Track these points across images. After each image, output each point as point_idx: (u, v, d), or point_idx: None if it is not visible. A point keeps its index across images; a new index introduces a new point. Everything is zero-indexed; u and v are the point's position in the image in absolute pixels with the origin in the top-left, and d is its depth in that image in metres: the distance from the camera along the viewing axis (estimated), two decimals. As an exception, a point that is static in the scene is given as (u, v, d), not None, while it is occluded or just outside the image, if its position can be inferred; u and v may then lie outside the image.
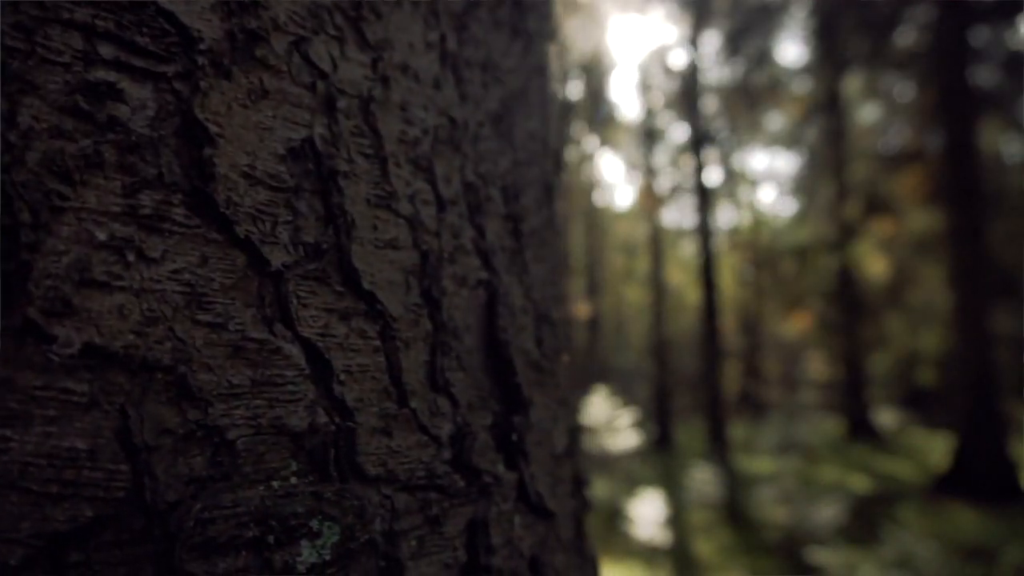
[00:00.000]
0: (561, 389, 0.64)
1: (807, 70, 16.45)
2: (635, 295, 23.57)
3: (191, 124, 0.31)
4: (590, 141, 23.75)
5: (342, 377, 0.35)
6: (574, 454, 0.72)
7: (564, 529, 0.54)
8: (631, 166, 25.59)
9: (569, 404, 0.68)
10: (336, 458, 0.33)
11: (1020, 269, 13.80)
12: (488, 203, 0.51)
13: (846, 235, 14.70)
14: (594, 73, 19.15)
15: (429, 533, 0.37)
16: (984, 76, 12.58)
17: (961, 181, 10.26)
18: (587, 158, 25.02)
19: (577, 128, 21.07)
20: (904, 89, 14.70)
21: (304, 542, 0.31)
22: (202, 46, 0.31)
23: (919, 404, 17.99)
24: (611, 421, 10.02)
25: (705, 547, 8.19)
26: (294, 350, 0.33)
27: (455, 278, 0.43)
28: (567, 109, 18.91)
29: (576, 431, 0.76)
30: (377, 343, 0.37)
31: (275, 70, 0.34)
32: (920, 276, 15.29)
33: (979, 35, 11.91)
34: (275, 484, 0.31)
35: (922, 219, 14.54)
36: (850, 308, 15.83)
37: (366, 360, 0.36)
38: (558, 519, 0.52)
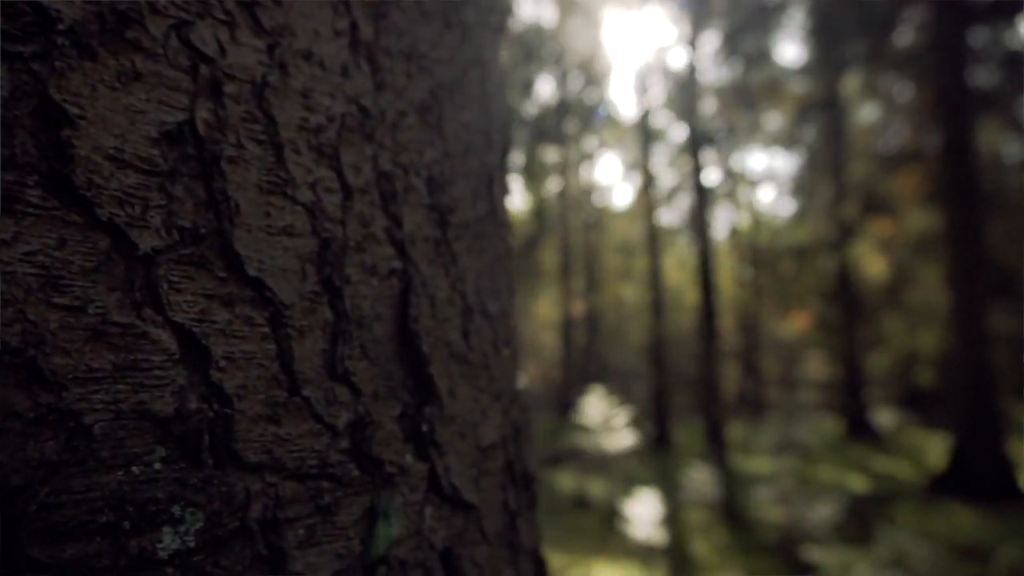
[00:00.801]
0: (497, 382, 0.64)
1: (805, 70, 16.42)
2: (634, 295, 23.57)
3: (48, 105, 0.31)
4: (589, 141, 23.74)
5: (222, 363, 0.34)
6: (516, 447, 0.71)
7: (490, 522, 0.53)
8: (630, 166, 25.59)
9: (509, 397, 0.68)
10: (211, 445, 0.33)
11: (1019, 268, 13.79)
12: (408, 193, 0.50)
13: (845, 235, 14.69)
14: (593, 73, 19.14)
15: (320, 522, 0.36)
16: (982, 76, 12.58)
17: (959, 181, 10.25)
18: (586, 158, 25.01)
19: (576, 128, 21.06)
20: (903, 89, 14.69)
21: (166, 528, 0.30)
22: (61, 26, 0.31)
23: (918, 404, 17.97)
24: (608, 421, 10.01)
25: (701, 546, 8.18)
26: (163, 335, 0.33)
27: (363, 267, 0.43)
28: (565, 109, 18.92)
29: (522, 425, 0.76)
30: (266, 330, 0.36)
31: (149, 53, 0.34)
32: (919, 276, 15.27)
33: (977, 35, 11.91)
34: (135, 470, 0.31)
35: (921, 219, 14.53)
36: (849, 308, 15.82)
37: (252, 347, 0.36)
38: (481, 512, 0.52)
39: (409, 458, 0.43)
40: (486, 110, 0.70)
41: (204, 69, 0.35)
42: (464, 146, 0.63)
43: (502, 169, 0.80)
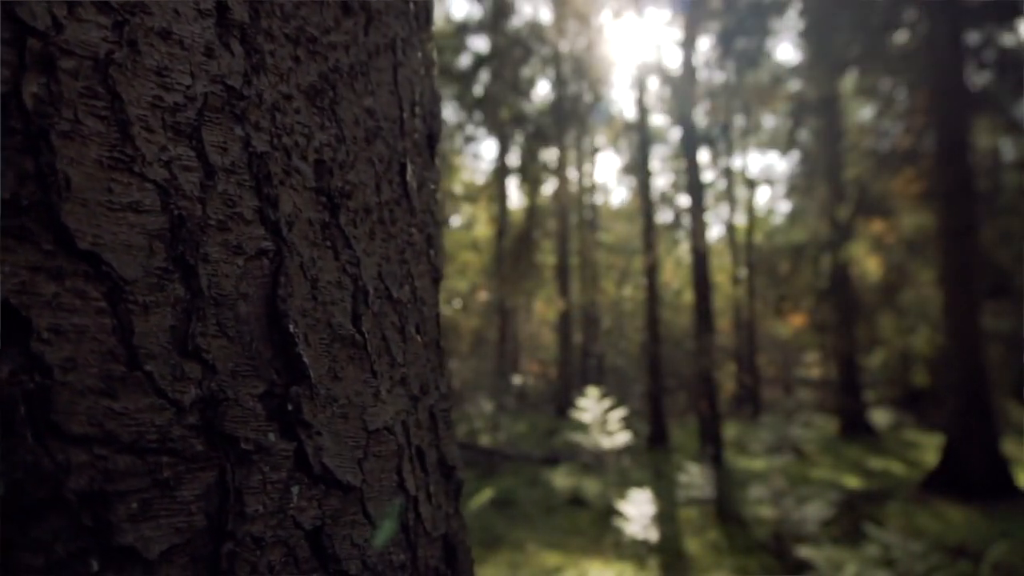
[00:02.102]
0: (403, 368, 0.64)
1: (800, 71, 16.43)
2: (632, 294, 23.59)
3: None
4: (586, 141, 23.76)
5: (45, 335, 0.34)
6: (430, 434, 0.71)
7: (378, 504, 0.54)
8: (627, 165, 25.61)
9: (422, 384, 0.68)
10: (29, 416, 0.33)
11: (1015, 268, 13.80)
12: (290, 175, 0.51)
13: (841, 235, 14.70)
14: (590, 73, 19.15)
15: (158, 496, 0.37)
16: (978, 76, 12.58)
17: (953, 180, 10.27)
18: (584, 157, 25.03)
19: (574, 127, 21.08)
20: (899, 89, 14.68)
21: (-40, 499, 0.31)
22: None
23: (915, 404, 17.98)
24: (604, 420, 10.03)
25: (695, 545, 8.19)
26: (-25, 305, 0.33)
27: (226, 245, 0.43)
28: (562, 108, 18.93)
29: (441, 414, 0.76)
30: (103, 304, 0.36)
31: (-32, 26, 0.34)
32: (916, 276, 15.28)
33: (973, 35, 11.92)
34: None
35: (917, 219, 14.53)
36: (845, 308, 15.82)
37: (85, 321, 0.36)
38: (365, 493, 0.52)
39: (272, 436, 0.43)
40: (398, 96, 0.70)
41: (34, 43, 0.35)
42: (368, 132, 0.63)
43: (424, 156, 0.80)
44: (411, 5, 0.76)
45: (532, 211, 22.05)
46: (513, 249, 16.31)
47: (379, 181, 0.64)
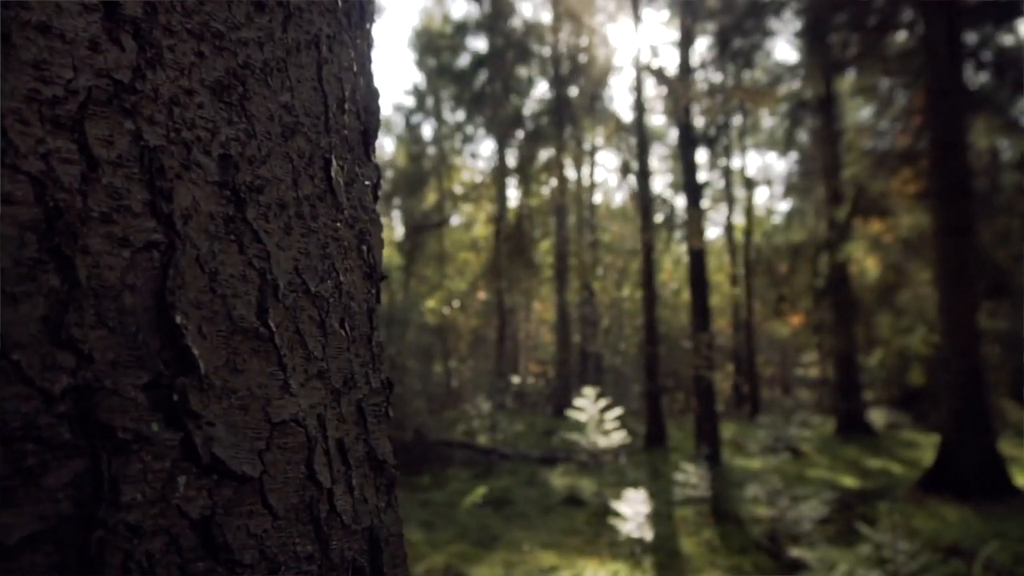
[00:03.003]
0: (321, 362, 0.64)
1: (797, 70, 16.42)
2: (630, 294, 23.59)
3: None
4: (585, 141, 23.76)
5: None
6: (356, 429, 0.72)
7: (281, 495, 0.54)
8: (625, 165, 25.59)
9: (347, 378, 0.68)
10: None
11: (1014, 267, 13.79)
12: (189, 169, 0.51)
13: (838, 235, 14.71)
14: (589, 73, 19.15)
15: (22, 484, 0.37)
16: (975, 75, 12.57)
17: (950, 179, 10.27)
18: (583, 157, 25.04)
19: (572, 127, 21.08)
20: (897, 89, 14.68)
21: None
22: None
23: (913, 403, 17.98)
24: (600, 420, 10.04)
25: (690, 544, 8.20)
26: None
27: (110, 238, 0.44)
28: (561, 108, 18.93)
29: (372, 408, 0.76)
30: (-35, 294, 0.37)
31: None
32: (914, 275, 15.27)
33: (971, 35, 11.91)
34: None
35: (915, 218, 14.53)
36: (843, 308, 15.82)
37: (-57, 311, 0.36)
38: (265, 484, 0.52)
39: (155, 426, 0.44)
40: (323, 93, 0.70)
41: None
42: (285, 127, 0.64)
43: (357, 152, 0.81)
44: (339, 2, 0.77)
45: (530, 211, 22.07)
46: (511, 249, 16.33)
47: (298, 176, 0.65)
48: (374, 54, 0.89)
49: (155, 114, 0.49)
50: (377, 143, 0.87)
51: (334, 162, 0.71)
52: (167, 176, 0.49)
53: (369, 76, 0.85)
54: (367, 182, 0.83)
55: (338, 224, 0.72)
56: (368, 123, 0.83)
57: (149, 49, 0.49)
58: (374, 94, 0.86)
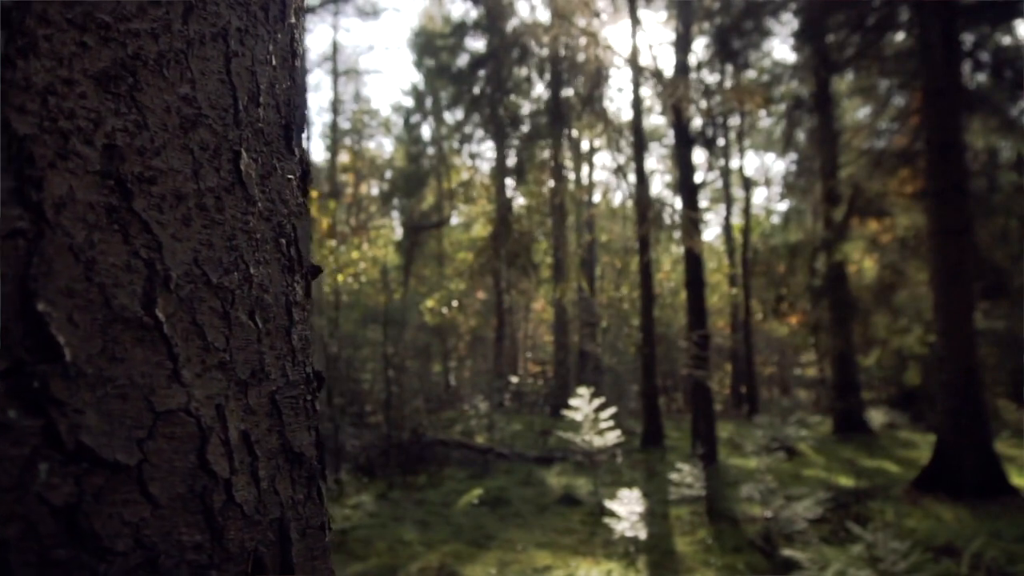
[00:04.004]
0: (221, 353, 0.64)
1: (794, 70, 16.42)
2: (628, 294, 23.59)
3: None
4: (583, 141, 23.77)
5: None
6: (269, 421, 0.72)
7: (164, 485, 0.55)
8: (624, 165, 25.58)
9: (254, 370, 0.68)
10: None
11: (1012, 268, 13.76)
12: (65, 159, 0.51)
13: (835, 235, 14.69)
14: (586, 74, 19.14)
15: None
16: (975, 76, 12.56)
17: (947, 179, 10.26)
18: (581, 157, 25.04)
19: (571, 127, 21.07)
20: (894, 89, 14.66)
21: None
22: None
23: (910, 403, 17.96)
24: (596, 420, 10.04)
25: (684, 543, 8.20)
26: None
27: (-28, 226, 0.44)
28: (560, 108, 18.93)
29: (284, 399, 0.77)
30: None
31: None
32: (911, 275, 15.25)
33: (968, 35, 11.90)
34: None
35: (912, 218, 14.51)
36: (840, 307, 15.80)
37: None
38: (145, 473, 0.53)
39: (13, 413, 0.44)
40: (232, 86, 0.70)
41: None
42: (184, 119, 0.64)
43: (277, 146, 0.81)
44: None
45: (528, 211, 22.07)
46: (503, 248, 16.34)
47: (199, 168, 0.65)
48: (300, 48, 0.89)
49: (27, 103, 0.49)
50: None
51: (244, 155, 0.72)
52: (38, 165, 0.49)
53: (293, 71, 0.85)
54: (289, 176, 0.83)
55: (249, 217, 0.72)
56: (290, 117, 0.84)
57: (20, 38, 0.49)
58: (298, 89, 0.86)
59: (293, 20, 0.86)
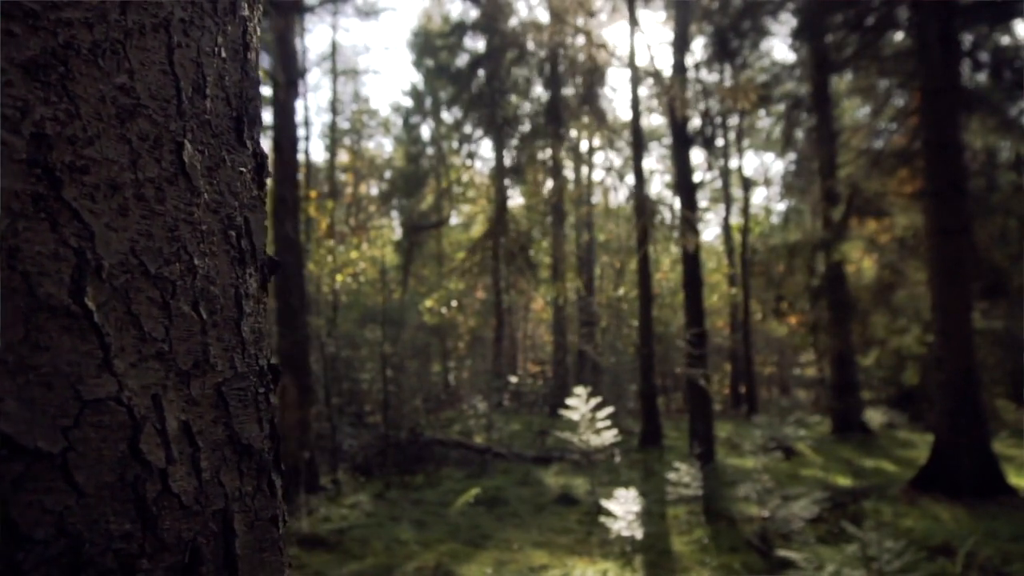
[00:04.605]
0: (157, 343, 0.64)
1: (792, 70, 16.42)
2: (626, 293, 23.59)
3: None
4: (583, 141, 23.77)
5: None
6: (218, 411, 0.72)
7: (90, 473, 0.55)
8: (623, 165, 25.59)
9: (189, 359, 0.68)
10: None
11: (1012, 267, 13.75)
12: None
13: (834, 235, 14.69)
14: (585, 73, 19.14)
15: None
16: (974, 76, 12.56)
17: (945, 179, 10.25)
18: (580, 157, 25.04)
19: (570, 127, 21.08)
20: (894, 88, 14.65)
21: None
22: None
23: (909, 403, 17.95)
24: (591, 419, 10.03)
25: (680, 543, 8.20)
26: None
27: None
28: (559, 108, 18.93)
29: (231, 391, 0.77)
30: None
31: None
32: (910, 275, 15.24)
33: (968, 34, 11.89)
34: None
35: (911, 218, 14.50)
36: (839, 307, 15.80)
37: None
38: (70, 461, 0.53)
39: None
40: (175, 77, 0.70)
41: None
42: (121, 109, 0.64)
43: (227, 138, 0.81)
44: None
45: (528, 210, 22.07)
46: (507, 248, 16.35)
47: (137, 158, 0.65)
48: (255, 41, 0.89)
49: None
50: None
51: (188, 146, 0.71)
52: None
53: (245, 64, 0.85)
54: (241, 169, 0.83)
55: (193, 208, 0.72)
56: (242, 109, 0.83)
57: None
58: (251, 82, 0.86)
59: (246, 13, 0.86)
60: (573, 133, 21.18)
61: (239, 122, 0.82)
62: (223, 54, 0.79)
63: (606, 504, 8.09)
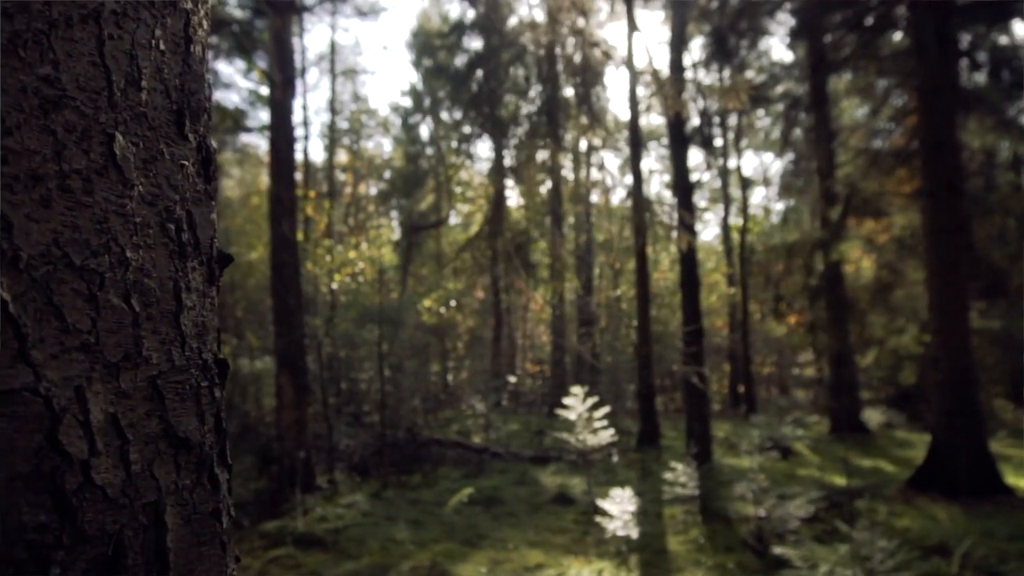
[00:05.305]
0: (82, 335, 0.64)
1: (792, 69, 16.40)
2: (625, 293, 23.59)
3: None
4: (581, 140, 23.74)
5: None
6: (152, 404, 0.72)
7: (4, 465, 0.54)
8: (621, 165, 25.60)
9: (119, 351, 0.68)
10: None
11: (1011, 267, 13.73)
12: None
13: (832, 234, 14.67)
14: (584, 73, 19.14)
15: None
16: (973, 76, 12.54)
17: (942, 178, 10.24)
18: (579, 157, 25.03)
19: (569, 127, 21.07)
20: (892, 88, 14.63)
21: None
22: None
23: (908, 403, 17.93)
24: (588, 418, 10.03)
25: (676, 542, 8.20)
26: None
27: None
28: (557, 108, 18.92)
29: (168, 384, 0.76)
30: None
31: None
32: (909, 275, 15.23)
33: (966, 34, 11.88)
34: None
35: (908, 218, 14.49)
36: (837, 307, 15.79)
37: None
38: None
39: None
40: (106, 69, 0.70)
41: None
42: (45, 100, 0.64)
43: (166, 131, 0.80)
44: None
45: (526, 210, 22.06)
46: (505, 248, 16.35)
47: (62, 150, 0.65)
48: (199, 34, 0.89)
49: None
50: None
51: (120, 138, 0.71)
52: None
53: (188, 57, 0.85)
54: (183, 162, 0.83)
55: (126, 200, 0.72)
56: (183, 103, 0.83)
57: None
58: (194, 75, 0.86)
59: (188, 6, 0.85)
60: (571, 135, 21.17)
61: (180, 115, 0.82)
62: (162, 47, 0.79)
63: (602, 504, 8.08)
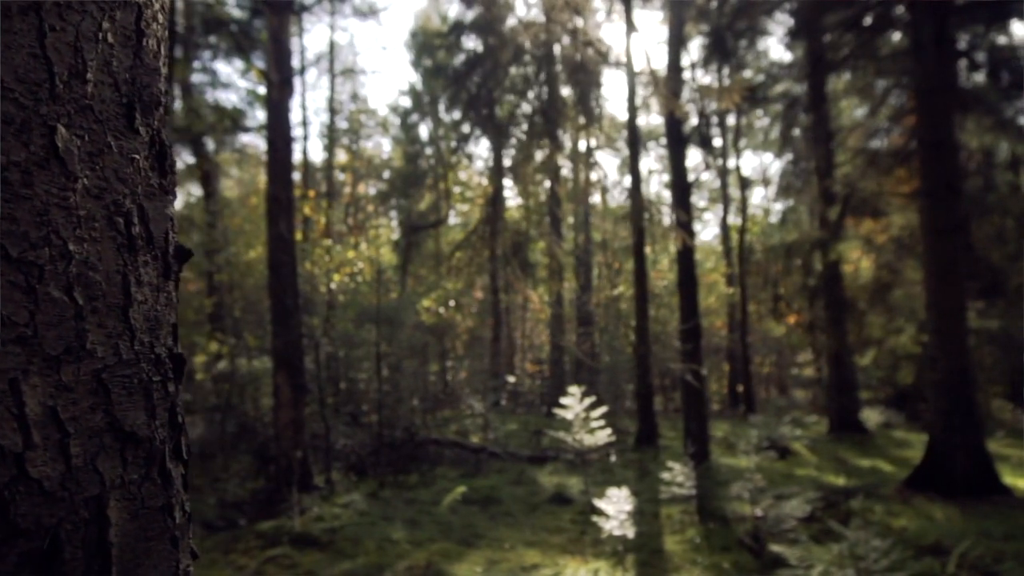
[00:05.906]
0: (19, 327, 0.64)
1: (790, 70, 16.39)
2: (626, 294, 23.58)
3: None
4: (580, 140, 23.74)
5: None
6: (97, 398, 0.72)
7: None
8: (620, 165, 25.58)
9: (60, 345, 0.68)
10: None
11: (1010, 267, 13.72)
12: None
13: (830, 234, 14.66)
14: (583, 73, 19.13)
15: None
16: (971, 76, 12.52)
17: (940, 178, 10.23)
18: (578, 157, 25.00)
19: (568, 127, 21.06)
20: (891, 88, 14.62)
21: None
22: None
23: (907, 403, 17.92)
24: (585, 418, 10.02)
25: (673, 542, 8.20)
26: None
27: None
28: (556, 108, 18.92)
29: (114, 379, 0.76)
30: None
31: None
32: (907, 275, 15.22)
33: (964, 34, 11.86)
34: None
35: (907, 218, 14.47)
36: (836, 307, 15.78)
37: None
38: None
39: None
40: (47, 61, 0.70)
41: None
42: (-16, 91, 0.63)
43: (115, 125, 0.80)
44: None
45: (525, 210, 22.06)
46: (503, 248, 16.34)
47: (10, 143, 0.65)
48: (152, 28, 0.88)
49: None
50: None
51: (63, 131, 0.71)
52: None
53: (139, 50, 0.85)
54: (133, 155, 0.82)
55: (68, 193, 0.71)
56: (133, 96, 0.83)
57: None
58: (146, 68, 0.86)
59: (142, 0, 0.85)
60: (568, 136, 21.17)
61: (130, 108, 0.81)
62: (110, 39, 0.78)
63: (599, 503, 8.08)
